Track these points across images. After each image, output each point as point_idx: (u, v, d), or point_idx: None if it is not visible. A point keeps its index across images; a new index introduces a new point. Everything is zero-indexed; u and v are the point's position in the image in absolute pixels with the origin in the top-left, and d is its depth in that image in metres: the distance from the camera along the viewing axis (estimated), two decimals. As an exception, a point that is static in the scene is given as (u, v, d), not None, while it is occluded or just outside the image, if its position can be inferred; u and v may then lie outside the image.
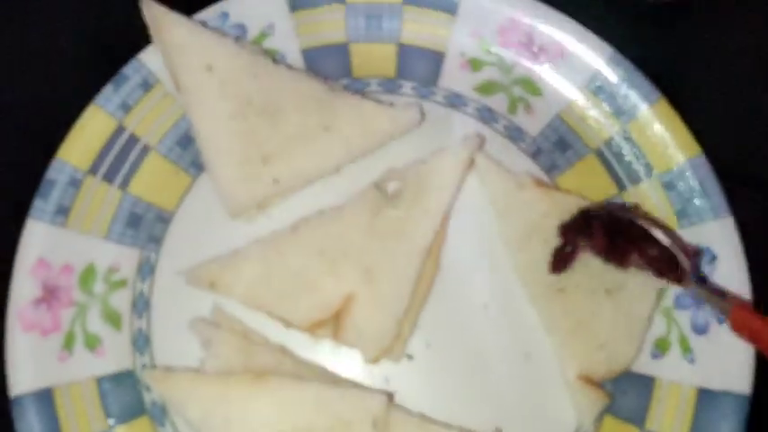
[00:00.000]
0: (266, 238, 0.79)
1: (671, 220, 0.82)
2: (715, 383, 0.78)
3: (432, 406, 0.79)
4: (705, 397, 0.78)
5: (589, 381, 0.77)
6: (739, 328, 0.74)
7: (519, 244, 0.81)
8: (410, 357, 0.81)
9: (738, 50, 0.89)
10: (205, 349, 0.77)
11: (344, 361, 0.80)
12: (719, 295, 0.76)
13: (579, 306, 0.80)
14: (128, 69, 0.82)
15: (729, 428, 0.77)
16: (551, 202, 0.80)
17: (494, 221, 0.83)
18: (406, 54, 0.86)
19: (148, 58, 0.82)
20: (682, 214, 0.82)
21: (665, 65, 0.85)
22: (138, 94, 0.82)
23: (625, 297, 0.79)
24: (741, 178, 0.83)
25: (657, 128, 0.83)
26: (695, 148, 0.82)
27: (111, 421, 0.78)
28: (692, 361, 0.79)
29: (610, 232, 0.78)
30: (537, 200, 0.80)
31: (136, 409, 0.79)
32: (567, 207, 0.80)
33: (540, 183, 0.81)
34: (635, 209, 0.81)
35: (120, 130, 0.82)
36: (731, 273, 0.79)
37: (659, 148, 0.83)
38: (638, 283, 0.79)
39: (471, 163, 0.82)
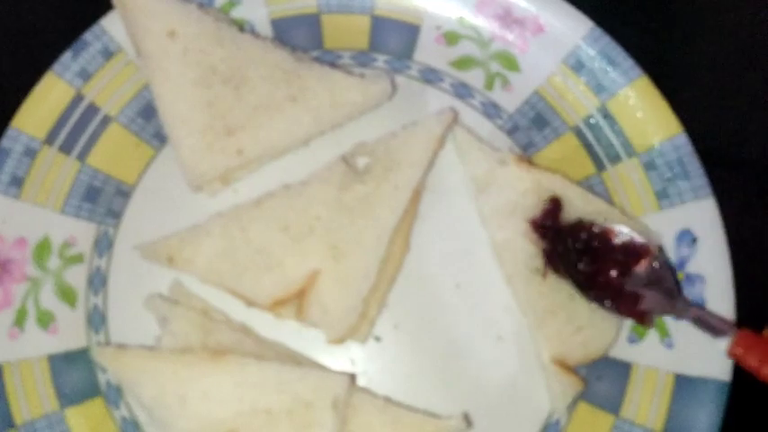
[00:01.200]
0: (228, 212, 0.76)
1: (651, 201, 0.79)
2: (693, 370, 0.75)
3: (399, 389, 0.76)
4: (683, 383, 0.75)
5: (564, 365, 0.75)
6: (742, 354, 0.71)
7: (498, 222, 0.78)
8: (378, 339, 0.78)
9: (720, 30, 0.87)
10: (162, 327, 0.74)
11: (309, 342, 0.77)
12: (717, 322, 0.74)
13: (557, 287, 0.77)
14: (88, 36, 0.79)
15: (707, 416, 0.74)
16: (533, 180, 0.77)
17: (467, 200, 0.80)
18: (380, 26, 0.83)
19: (110, 24, 0.79)
20: (662, 195, 0.79)
21: (645, 42, 0.82)
22: (99, 62, 0.79)
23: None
24: (722, 159, 0.80)
25: (638, 106, 0.80)
26: (676, 127, 0.79)
27: (62, 402, 0.74)
28: (669, 346, 0.76)
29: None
30: (518, 177, 0.77)
31: (90, 390, 0.76)
32: (549, 185, 0.77)
33: (521, 159, 0.78)
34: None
35: (78, 98, 0.79)
36: (711, 254, 0.77)
37: (639, 127, 0.80)
38: None
39: (444, 139, 0.79)
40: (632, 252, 0.75)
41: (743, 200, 0.82)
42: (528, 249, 0.77)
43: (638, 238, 0.75)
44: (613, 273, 0.75)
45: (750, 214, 0.83)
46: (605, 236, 0.75)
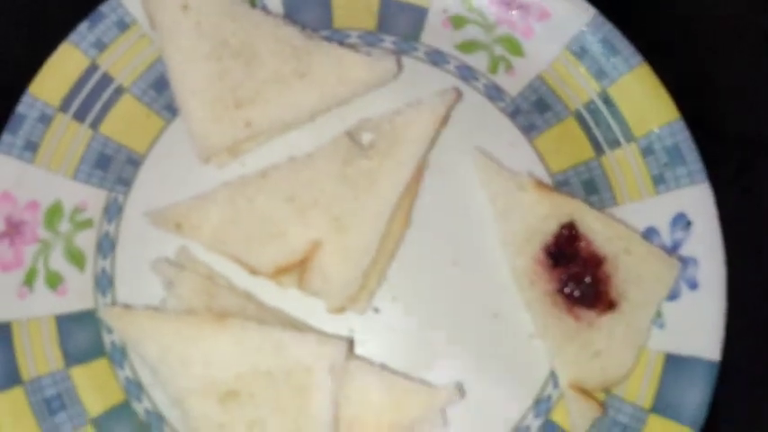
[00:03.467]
0: (235, 182, 0.78)
1: (648, 185, 0.81)
2: (684, 349, 0.77)
3: (395, 359, 0.78)
4: (673, 362, 0.77)
5: (582, 390, 0.76)
6: None
7: (518, 248, 0.79)
8: (376, 310, 0.79)
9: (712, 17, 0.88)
10: (167, 290, 0.76)
11: (309, 311, 0.78)
12: None
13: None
14: (104, 7, 0.81)
15: (696, 395, 0.75)
16: (551, 205, 0.78)
17: (468, 178, 0.82)
18: (389, 7, 0.85)
19: (126, -4, 0.81)
20: (658, 179, 0.81)
21: (641, 26, 0.83)
22: (114, 33, 0.81)
23: (625, 307, 0.77)
24: (709, 133, 0.81)
25: (638, 92, 0.82)
26: (674, 114, 0.81)
27: (68, 361, 0.76)
28: (661, 326, 0.78)
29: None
30: (536, 202, 0.78)
31: (95, 350, 0.78)
32: (568, 210, 0.78)
33: (540, 184, 0.79)
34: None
35: (93, 68, 0.81)
36: (705, 238, 0.78)
37: (639, 113, 0.82)
38: (640, 294, 0.77)
39: (447, 117, 0.81)
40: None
41: (731, 171, 0.84)
42: (545, 275, 0.78)
43: None
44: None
45: (736, 187, 0.84)
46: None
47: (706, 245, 0.78)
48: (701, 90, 0.86)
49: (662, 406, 0.76)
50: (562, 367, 0.77)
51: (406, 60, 0.84)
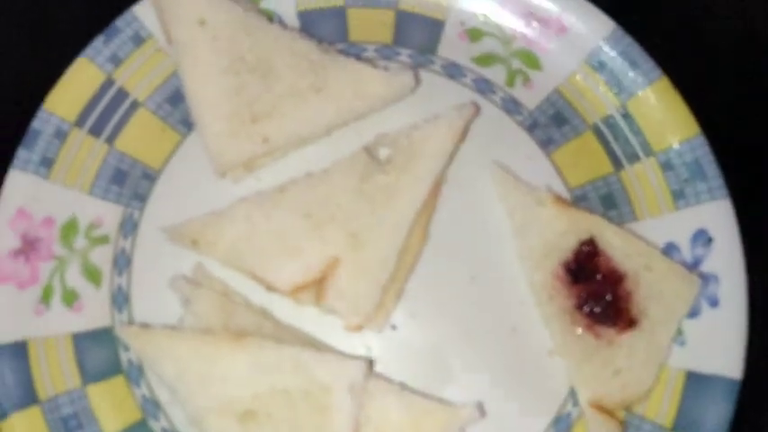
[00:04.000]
0: (252, 197, 0.77)
1: (668, 201, 0.80)
2: (705, 367, 0.76)
3: (413, 377, 0.77)
4: (694, 380, 0.76)
5: (602, 408, 0.75)
6: None
7: (536, 263, 0.78)
8: (394, 327, 0.79)
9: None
10: (184, 307, 0.75)
11: (327, 329, 0.78)
12: None
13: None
14: (120, 22, 0.81)
15: (717, 413, 0.75)
16: (570, 221, 0.77)
17: (486, 193, 0.81)
18: (405, 21, 0.84)
19: (142, 11, 0.81)
20: (678, 195, 0.80)
21: (657, 41, 0.83)
22: (129, 48, 0.81)
23: (646, 324, 0.76)
24: (734, 147, 0.80)
25: (657, 106, 0.81)
26: (695, 129, 0.80)
27: (85, 379, 0.76)
28: (682, 344, 0.78)
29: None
30: (555, 217, 0.78)
31: (112, 368, 0.78)
32: (587, 226, 0.77)
33: (558, 200, 0.78)
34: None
35: (108, 83, 0.80)
36: (726, 255, 0.78)
37: (658, 127, 0.81)
38: (661, 311, 0.76)
39: (465, 132, 0.81)
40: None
41: (759, 189, 0.83)
42: (564, 291, 0.77)
43: None
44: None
45: (756, 201, 0.83)
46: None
47: (727, 262, 0.77)
48: (723, 102, 0.85)
49: (683, 425, 0.75)
50: (581, 385, 0.76)
51: (422, 73, 0.84)
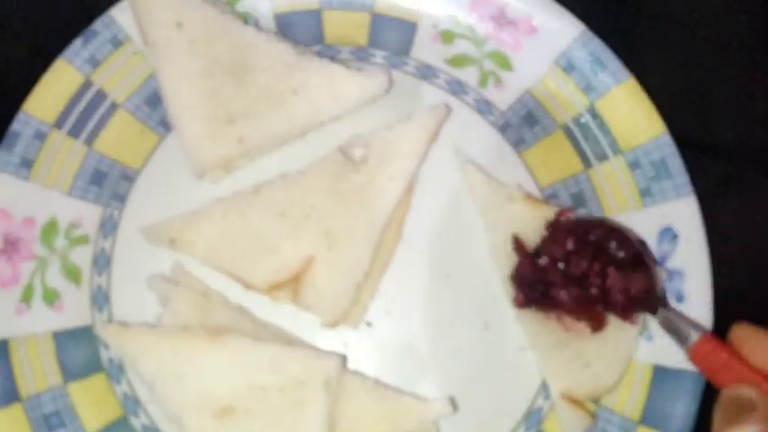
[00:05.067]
0: (228, 197, 0.79)
1: (635, 198, 0.82)
2: (672, 361, 0.78)
3: (388, 373, 0.79)
4: (661, 374, 0.78)
5: (573, 400, 0.77)
6: (700, 359, 0.70)
7: (507, 259, 0.79)
8: (369, 324, 0.81)
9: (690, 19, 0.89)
10: (163, 306, 0.77)
11: (303, 326, 0.80)
12: (687, 323, 0.73)
13: None
14: (98, 24, 0.82)
15: (684, 406, 0.77)
16: (541, 217, 0.79)
17: (459, 192, 0.83)
18: (379, 23, 0.86)
19: (119, 14, 0.82)
20: (645, 193, 0.82)
21: (618, 32, 0.84)
22: (108, 50, 0.82)
23: (614, 318, 0.78)
24: (694, 143, 0.82)
25: (625, 106, 0.83)
26: (660, 128, 0.82)
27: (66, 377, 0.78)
28: (649, 338, 0.80)
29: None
30: (525, 214, 0.80)
31: (93, 366, 0.79)
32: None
33: (529, 197, 0.80)
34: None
35: (87, 84, 0.82)
36: (692, 251, 0.80)
37: (626, 127, 0.83)
38: None
39: (437, 132, 0.82)
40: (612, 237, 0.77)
41: (714, 182, 0.85)
42: None
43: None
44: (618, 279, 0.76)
45: (720, 196, 0.85)
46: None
47: (692, 258, 0.79)
48: (688, 103, 0.87)
49: (650, 417, 0.77)
50: (552, 376, 0.78)
51: (396, 75, 0.85)
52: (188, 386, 0.72)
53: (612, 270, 0.75)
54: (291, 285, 0.78)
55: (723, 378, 0.67)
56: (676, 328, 0.72)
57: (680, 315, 0.74)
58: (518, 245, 0.79)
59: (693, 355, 0.70)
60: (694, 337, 0.70)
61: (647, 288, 0.76)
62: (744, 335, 0.67)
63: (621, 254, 0.76)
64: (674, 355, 0.77)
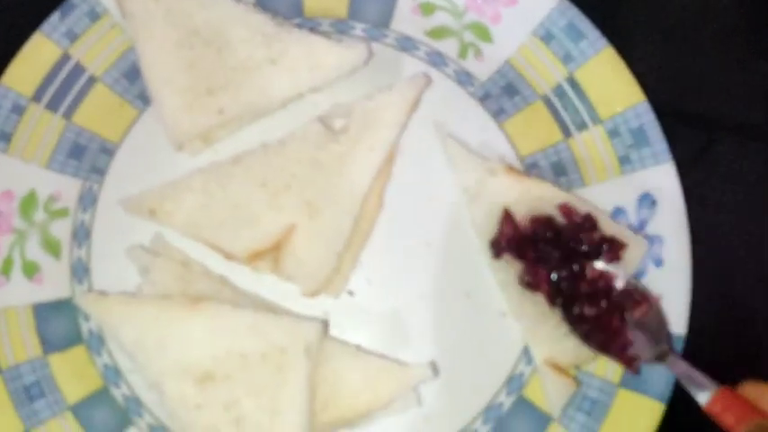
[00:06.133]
0: (208, 168, 0.79)
1: (614, 166, 0.83)
2: (651, 324, 0.78)
3: (370, 340, 0.79)
4: (641, 337, 0.78)
5: (557, 367, 0.77)
6: (719, 410, 0.68)
7: (490, 231, 0.80)
8: (351, 293, 0.81)
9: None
10: (143, 277, 0.77)
11: (285, 296, 0.80)
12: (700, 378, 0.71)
13: None
14: (75, -2, 0.82)
15: (663, 368, 0.77)
16: (522, 189, 0.80)
17: (439, 162, 0.83)
18: (359, -5, 0.86)
19: (97, -13, 0.82)
20: (624, 160, 0.82)
21: (601, 4, 0.85)
22: (85, 24, 0.82)
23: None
24: (674, 112, 0.83)
25: (603, 75, 0.84)
26: (639, 95, 0.82)
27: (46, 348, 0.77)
28: (629, 304, 0.80)
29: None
30: (508, 186, 0.80)
31: (73, 338, 0.79)
32: (539, 194, 0.79)
33: (510, 169, 0.81)
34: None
35: (65, 58, 0.81)
36: (670, 216, 0.80)
37: (605, 96, 0.84)
38: None
39: (417, 102, 0.83)
40: (631, 296, 0.77)
41: (692, 149, 0.86)
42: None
43: (638, 285, 0.77)
44: (615, 317, 0.76)
45: (698, 166, 0.86)
46: (607, 278, 0.77)
47: (671, 223, 0.80)
48: (666, 71, 0.88)
49: (630, 380, 0.78)
50: (536, 345, 0.78)
51: (376, 47, 0.86)
52: (168, 353, 0.72)
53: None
54: (272, 255, 0.78)
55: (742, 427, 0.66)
56: (688, 375, 0.72)
57: (690, 365, 0.73)
58: (507, 217, 0.79)
59: (712, 406, 0.69)
60: (709, 387, 0.70)
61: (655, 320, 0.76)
62: (759, 391, 0.67)
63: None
64: (653, 320, 0.78)
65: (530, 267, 0.77)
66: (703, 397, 0.70)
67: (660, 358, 0.75)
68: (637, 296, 0.77)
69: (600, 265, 0.77)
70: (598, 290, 0.76)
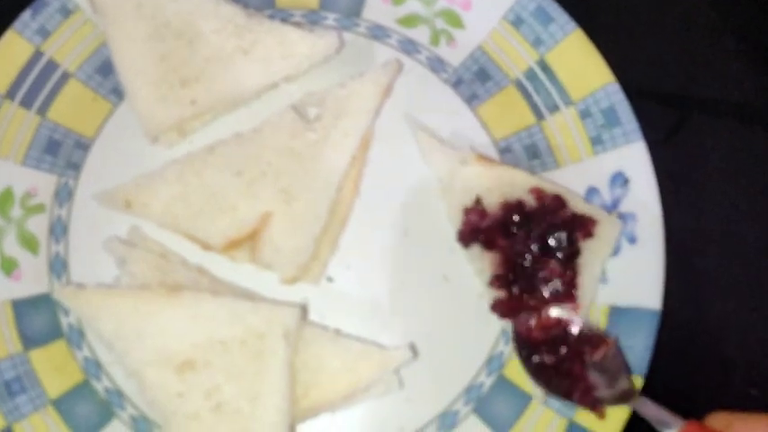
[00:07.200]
0: (183, 158, 0.79)
1: (586, 147, 0.84)
2: (626, 300, 0.79)
3: (349, 324, 0.80)
4: (617, 314, 0.80)
5: None
6: None
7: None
8: (330, 279, 0.81)
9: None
10: (120, 268, 0.77)
11: (264, 284, 0.80)
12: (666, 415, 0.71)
13: None
14: (47, -6, 0.82)
15: (640, 342, 0.78)
16: (494, 177, 0.81)
17: (413, 148, 0.84)
18: (330, -16, 0.87)
19: (68, -16, 0.82)
20: (596, 140, 0.83)
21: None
22: (58, 20, 0.82)
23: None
24: (648, 94, 0.84)
25: (573, 58, 0.84)
26: (609, 76, 0.83)
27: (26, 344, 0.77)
28: (604, 281, 0.81)
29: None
30: (480, 175, 0.81)
31: (53, 333, 0.79)
32: (510, 181, 0.80)
33: (481, 158, 0.81)
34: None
35: (38, 55, 0.82)
36: (643, 194, 0.81)
37: (575, 78, 0.84)
38: (586, 254, 0.78)
39: (390, 88, 0.83)
40: (589, 340, 0.77)
41: (662, 128, 0.88)
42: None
43: (594, 328, 0.78)
44: (575, 363, 0.76)
45: (669, 143, 0.87)
46: (563, 324, 0.77)
47: (643, 201, 0.81)
48: (634, 52, 0.89)
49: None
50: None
51: (348, 36, 0.86)
52: (148, 343, 0.72)
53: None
54: (249, 244, 0.78)
55: None
56: (654, 414, 0.71)
57: (656, 405, 0.72)
58: (473, 206, 0.80)
59: None
60: (676, 424, 0.68)
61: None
62: (726, 420, 0.66)
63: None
64: (629, 295, 0.79)
65: (500, 257, 0.78)
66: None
67: (623, 399, 0.74)
68: (594, 339, 0.77)
69: (555, 312, 0.77)
70: (556, 337, 0.77)
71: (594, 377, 0.76)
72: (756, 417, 0.65)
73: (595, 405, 0.75)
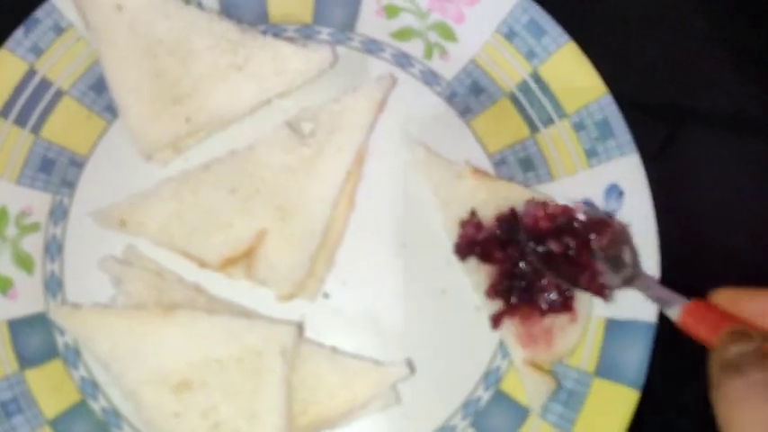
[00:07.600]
0: (178, 176, 0.79)
1: (581, 159, 0.84)
2: (623, 314, 0.79)
3: (346, 341, 0.80)
4: (613, 327, 0.80)
5: (536, 365, 0.78)
6: (693, 322, 0.65)
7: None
8: (326, 296, 0.81)
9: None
10: (116, 287, 0.77)
11: (260, 301, 0.80)
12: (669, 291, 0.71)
13: None
14: (39, 13, 0.82)
15: (636, 355, 0.78)
16: (489, 191, 0.81)
17: (410, 161, 0.84)
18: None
19: (61, 1, 0.82)
20: (591, 153, 0.84)
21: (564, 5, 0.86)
22: (51, 38, 0.82)
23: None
24: (641, 106, 0.85)
25: (567, 70, 0.85)
26: (602, 89, 0.84)
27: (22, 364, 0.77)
28: (601, 294, 0.81)
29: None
30: (475, 189, 0.81)
31: (48, 353, 0.79)
32: (505, 194, 0.81)
33: (477, 172, 0.82)
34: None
35: (31, 73, 0.82)
36: (637, 206, 0.81)
37: (569, 90, 0.85)
38: None
39: (383, 103, 0.83)
40: (594, 227, 0.77)
41: (655, 139, 0.88)
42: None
43: (599, 213, 0.78)
44: (582, 249, 0.76)
45: (663, 155, 0.88)
46: (569, 213, 0.77)
47: (638, 212, 0.81)
48: (627, 64, 0.89)
49: (605, 369, 0.79)
50: (516, 348, 0.79)
51: (342, 51, 0.86)
52: (144, 363, 0.72)
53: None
54: (245, 261, 0.78)
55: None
56: (657, 294, 0.71)
57: (658, 283, 0.72)
58: (469, 219, 0.80)
59: (684, 319, 0.66)
60: (679, 301, 0.67)
61: (615, 246, 0.76)
62: (732, 297, 0.64)
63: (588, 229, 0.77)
64: (625, 307, 0.79)
65: (498, 269, 0.78)
66: (674, 312, 0.67)
67: (628, 282, 0.75)
68: (599, 225, 0.77)
69: (561, 200, 0.78)
70: (561, 225, 0.77)
71: (602, 263, 0.75)
72: (765, 292, 0.62)
73: (602, 290, 0.75)
